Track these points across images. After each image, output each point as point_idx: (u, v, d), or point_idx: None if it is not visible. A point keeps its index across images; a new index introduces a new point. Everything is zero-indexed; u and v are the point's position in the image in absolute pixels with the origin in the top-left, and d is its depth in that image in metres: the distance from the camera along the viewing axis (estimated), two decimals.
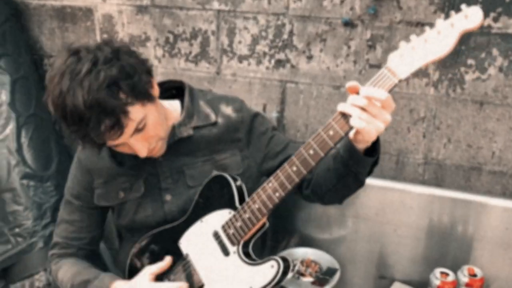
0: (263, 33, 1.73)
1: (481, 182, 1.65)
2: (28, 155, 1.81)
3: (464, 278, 1.51)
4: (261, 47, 1.75)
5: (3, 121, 1.78)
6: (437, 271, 1.53)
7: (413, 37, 0.91)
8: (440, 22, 0.89)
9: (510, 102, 1.54)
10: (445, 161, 1.66)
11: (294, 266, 1.34)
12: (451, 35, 0.88)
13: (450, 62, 1.56)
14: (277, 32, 1.70)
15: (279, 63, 1.75)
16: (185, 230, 1.22)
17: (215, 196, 1.19)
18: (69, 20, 1.99)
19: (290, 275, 1.15)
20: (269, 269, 1.09)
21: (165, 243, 1.26)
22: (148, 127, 1.09)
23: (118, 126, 1.02)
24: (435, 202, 1.58)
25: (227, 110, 1.28)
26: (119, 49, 1.05)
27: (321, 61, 1.69)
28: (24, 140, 1.82)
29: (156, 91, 1.13)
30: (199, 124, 1.25)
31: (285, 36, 1.70)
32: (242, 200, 1.15)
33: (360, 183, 1.11)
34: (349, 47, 1.65)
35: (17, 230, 1.74)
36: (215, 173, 1.20)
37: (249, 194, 1.14)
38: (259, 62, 1.77)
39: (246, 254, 1.15)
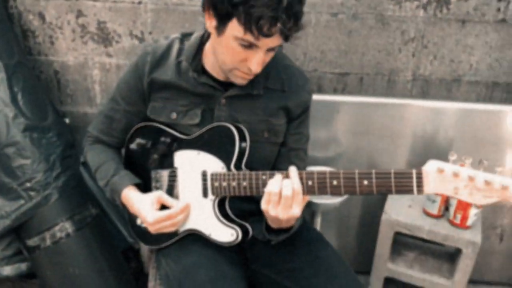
0: None
1: (460, 92, 1.90)
2: (24, 106, 1.69)
3: None
4: None
5: None
6: None
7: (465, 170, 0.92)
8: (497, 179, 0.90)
9: (487, 19, 1.77)
10: (431, 76, 1.88)
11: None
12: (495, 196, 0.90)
13: None
14: None
15: None
16: (184, 148, 1.26)
17: (218, 142, 1.20)
18: None
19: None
20: (228, 235, 1.21)
21: (164, 143, 1.30)
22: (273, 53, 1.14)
23: (293, 29, 1.04)
24: (421, 112, 1.82)
25: (299, 85, 1.30)
26: None
27: None
28: (16, 90, 1.68)
29: None
30: (270, 87, 1.27)
31: None
32: (239, 160, 1.19)
33: None
34: None
35: (28, 184, 1.66)
36: (229, 123, 1.21)
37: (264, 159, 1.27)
38: None
39: (220, 205, 1.22)
